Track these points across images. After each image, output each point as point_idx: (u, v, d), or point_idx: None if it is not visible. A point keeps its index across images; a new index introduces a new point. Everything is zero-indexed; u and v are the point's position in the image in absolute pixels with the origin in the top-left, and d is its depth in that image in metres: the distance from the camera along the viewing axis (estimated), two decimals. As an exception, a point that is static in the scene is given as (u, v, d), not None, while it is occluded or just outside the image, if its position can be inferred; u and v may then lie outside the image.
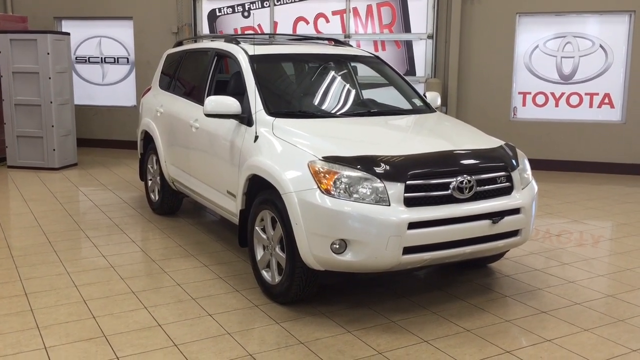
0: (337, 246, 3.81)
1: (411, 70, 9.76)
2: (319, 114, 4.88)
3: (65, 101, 9.13)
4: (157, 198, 6.54)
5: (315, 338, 3.78)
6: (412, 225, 3.79)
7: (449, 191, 3.96)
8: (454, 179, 3.97)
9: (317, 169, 3.88)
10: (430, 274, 4.95)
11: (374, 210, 3.76)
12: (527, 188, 4.37)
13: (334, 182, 3.83)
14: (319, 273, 4.02)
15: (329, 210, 3.78)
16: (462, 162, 4.10)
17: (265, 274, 4.38)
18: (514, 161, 4.33)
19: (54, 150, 8.92)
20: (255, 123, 4.58)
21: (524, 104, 9.53)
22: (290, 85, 5.51)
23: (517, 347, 3.69)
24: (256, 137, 4.49)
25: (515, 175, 4.26)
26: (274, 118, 4.55)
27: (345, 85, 5.45)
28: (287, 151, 4.18)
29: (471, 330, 3.92)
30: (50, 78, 8.75)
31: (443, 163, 4.04)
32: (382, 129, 4.70)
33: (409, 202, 3.85)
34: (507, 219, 4.11)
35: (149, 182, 6.74)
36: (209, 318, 4.03)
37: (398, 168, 3.88)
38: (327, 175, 3.85)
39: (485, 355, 3.60)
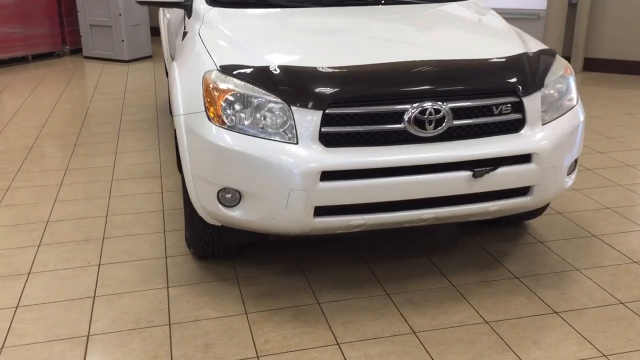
0: (230, 196, 2.67)
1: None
2: (280, 2, 3.54)
3: (135, -13, 8.40)
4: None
5: (193, 318, 2.75)
6: (329, 176, 2.53)
7: (402, 125, 2.59)
8: (410, 106, 2.58)
9: (210, 84, 2.70)
10: (427, 228, 3.61)
11: (271, 149, 2.54)
12: (558, 120, 2.83)
13: (224, 104, 2.63)
14: (219, 228, 2.93)
15: (212, 145, 2.63)
16: (429, 79, 2.67)
17: (190, 215, 3.36)
18: (534, 78, 2.78)
19: (123, 41, 8.34)
20: (191, 14, 3.43)
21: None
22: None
23: (464, 376, 2.39)
24: (184, 34, 3.35)
25: (531, 102, 2.74)
26: (211, 8, 3.36)
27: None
28: (196, 56, 3.01)
29: (419, 332, 2.65)
30: (114, -40, 8.04)
31: (394, 80, 2.64)
32: (350, 22, 3.28)
33: (329, 140, 2.57)
34: (503, 170, 2.67)
35: (170, 82, 5.87)
36: (93, 270, 3.15)
37: (315, 87, 2.57)
38: (220, 93, 2.66)
39: (406, 383, 2.36)
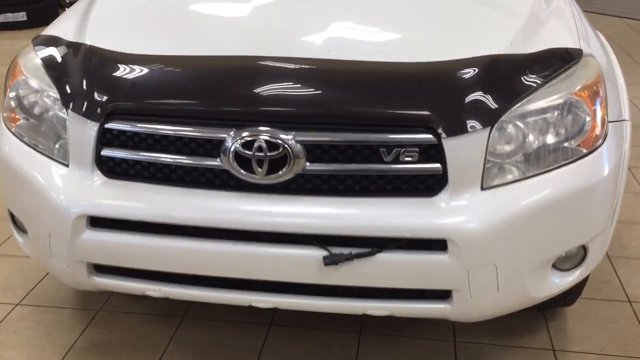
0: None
1: None
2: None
3: None
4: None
5: (-7, 361, 2.15)
6: (103, 223, 1.67)
7: (218, 161, 1.60)
8: (227, 134, 1.57)
9: (18, 62, 1.95)
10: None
11: (33, 169, 1.76)
12: (536, 180, 1.59)
13: (12, 93, 1.89)
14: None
15: (-1, 152, 1.92)
16: (272, 91, 1.60)
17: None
18: (482, 105, 1.55)
19: None
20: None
21: None
22: None
23: None
24: None
25: (463, 146, 1.53)
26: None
27: None
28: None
29: None
30: None
31: (209, 87, 1.63)
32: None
33: (112, 169, 1.68)
34: (387, 259, 1.55)
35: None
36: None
37: (95, 84, 1.68)
38: (13, 77, 1.92)
39: None
